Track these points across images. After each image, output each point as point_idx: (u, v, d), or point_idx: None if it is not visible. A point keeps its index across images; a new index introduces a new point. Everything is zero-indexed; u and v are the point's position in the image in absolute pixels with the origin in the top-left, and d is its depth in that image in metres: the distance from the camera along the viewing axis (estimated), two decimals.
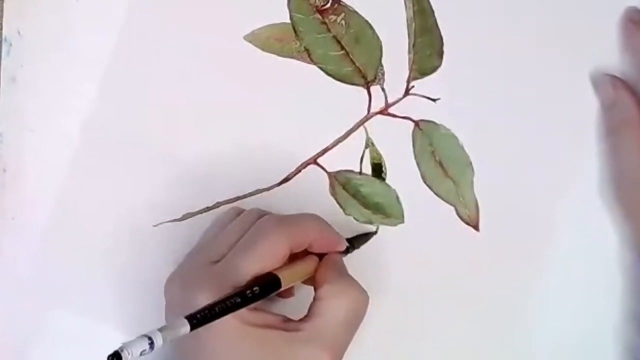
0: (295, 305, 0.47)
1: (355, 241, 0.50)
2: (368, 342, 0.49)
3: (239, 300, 0.40)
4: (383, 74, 0.51)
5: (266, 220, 0.46)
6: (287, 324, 0.44)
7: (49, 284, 0.51)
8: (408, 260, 0.52)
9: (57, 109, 0.51)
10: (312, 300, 0.46)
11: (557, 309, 0.52)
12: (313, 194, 0.51)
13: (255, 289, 0.42)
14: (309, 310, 0.45)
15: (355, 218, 0.52)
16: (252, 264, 0.43)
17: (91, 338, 0.51)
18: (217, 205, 0.51)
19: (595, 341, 0.52)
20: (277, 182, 0.51)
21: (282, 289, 0.44)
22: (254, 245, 0.44)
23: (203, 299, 0.41)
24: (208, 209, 0.51)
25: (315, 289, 0.46)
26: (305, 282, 0.47)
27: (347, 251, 0.49)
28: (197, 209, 0.51)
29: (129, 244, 0.51)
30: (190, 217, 0.51)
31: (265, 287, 0.43)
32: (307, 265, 0.46)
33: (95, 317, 0.51)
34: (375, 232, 0.52)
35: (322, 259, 0.47)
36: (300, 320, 0.44)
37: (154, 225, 0.51)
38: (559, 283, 0.52)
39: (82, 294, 0.51)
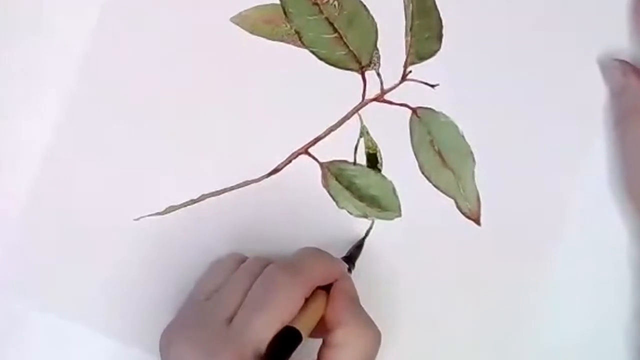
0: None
1: (352, 257, 0.50)
2: None
3: None
4: (379, 59, 0.51)
5: (275, 268, 0.45)
6: None
7: (22, 279, 0.51)
8: (405, 256, 0.51)
9: (32, 96, 0.51)
10: (322, 342, 0.45)
11: (564, 308, 0.51)
12: (304, 186, 0.51)
13: (278, 354, 0.42)
14: (320, 356, 0.44)
15: (349, 212, 0.51)
16: (271, 323, 0.43)
17: (67, 336, 0.51)
18: (202, 197, 0.51)
19: (604, 341, 0.51)
20: (266, 173, 0.51)
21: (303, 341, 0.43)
22: (269, 300, 0.43)
23: None
24: (193, 201, 0.51)
25: (327, 330, 0.45)
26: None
27: (349, 271, 0.49)
28: (181, 202, 0.51)
29: (108, 238, 0.51)
30: (174, 210, 0.51)
31: (288, 346, 0.42)
32: (318, 305, 0.45)
33: (71, 314, 0.51)
34: (371, 227, 0.51)
35: (327, 289, 0.46)
36: None
37: (135, 219, 0.51)
38: (565, 280, 0.51)
39: (57, 291, 0.51)
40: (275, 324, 0.42)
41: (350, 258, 0.49)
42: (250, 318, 0.43)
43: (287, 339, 0.42)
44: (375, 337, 0.44)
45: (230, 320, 0.43)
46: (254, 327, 0.42)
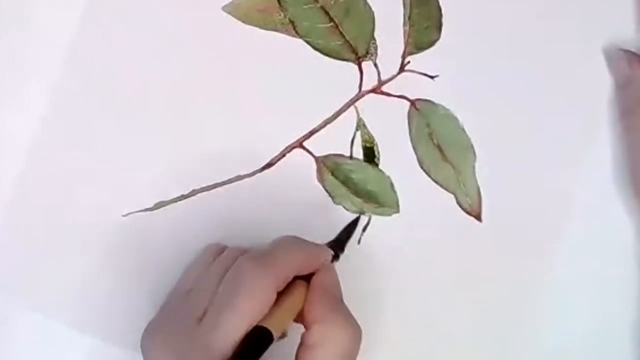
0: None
1: (341, 241, 0.49)
2: (365, 344, 0.48)
3: None
4: (376, 49, 0.50)
5: (244, 262, 0.44)
6: None
7: (6, 278, 0.50)
8: (403, 254, 0.50)
9: (17, 88, 0.50)
10: (299, 340, 0.44)
11: (567, 307, 0.51)
12: (299, 181, 0.50)
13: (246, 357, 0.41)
14: (297, 358, 0.43)
15: (345, 207, 0.51)
16: (239, 322, 0.41)
17: (53, 336, 0.50)
18: (193, 193, 0.50)
19: (608, 341, 0.51)
20: (259, 167, 0.50)
21: (275, 340, 0.42)
22: (235, 299, 0.42)
23: None
24: (183, 197, 0.50)
25: (304, 327, 0.44)
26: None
27: (336, 257, 0.48)
28: (171, 197, 0.50)
29: (96, 236, 0.50)
30: (164, 206, 0.50)
31: (256, 347, 0.41)
32: (295, 299, 0.44)
33: (57, 314, 0.50)
34: (368, 223, 0.50)
35: (308, 278, 0.45)
36: None
37: (124, 216, 0.50)
38: (568, 279, 0.51)
39: (43, 290, 0.50)
40: (244, 322, 0.41)
41: (338, 243, 0.48)
42: (217, 317, 0.42)
43: (257, 340, 0.41)
44: (354, 334, 0.43)
45: (202, 318, 0.42)
46: (221, 327, 0.41)
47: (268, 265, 0.43)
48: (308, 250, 0.45)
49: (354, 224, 0.50)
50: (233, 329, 0.41)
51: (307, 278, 0.45)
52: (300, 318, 0.44)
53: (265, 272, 0.42)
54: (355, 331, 0.43)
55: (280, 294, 0.43)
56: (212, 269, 0.45)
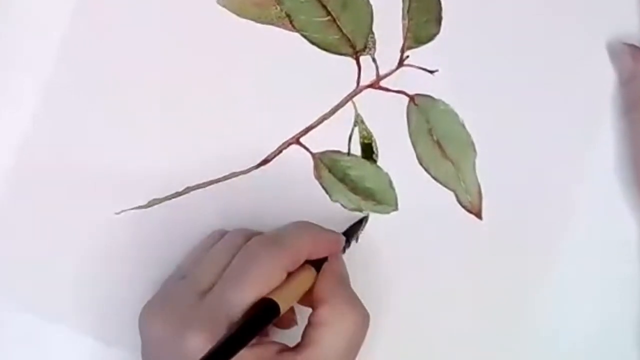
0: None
1: (349, 234, 0.50)
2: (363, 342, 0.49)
3: (237, 344, 0.40)
4: (374, 43, 0.50)
5: (256, 242, 0.45)
6: (281, 355, 0.43)
7: None
8: (402, 252, 0.50)
9: (7, 84, 0.50)
10: (307, 322, 0.45)
11: (569, 306, 0.51)
12: (295, 178, 0.50)
13: (251, 324, 0.42)
14: (304, 336, 0.44)
15: (342, 205, 0.50)
16: (247, 296, 0.42)
17: (46, 337, 0.50)
18: (187, 190, 0.50)
19: (611, 341, 0.51)
20: (255, 164, 0.50)
21: (280, 315, 0.43)
22: (245, 274, 0.43)
23: (196, 340, 0.41)
24: (177, 194, 0.50)
25: (312, 308, 0.45)
26: (300, 300, 0.46)
27: (343, 249, 0.48)
28: (165, 195, 0.50)
29: (88, 234, 0.50)
30: (157, 203, 0.50)
31: (263, 317, 0.42)
32: (303, 281, 0.45)
33: (50, 315, 0.50)
34: (366, 220, 0.50)
35: (318, 266, 0.46)
36: (295, 349, 0.44)
37: (117, 213, 0.50)
38: (571, 277, 0.51)
39: (35, 290, 0.50)
40: (250, 298, 0.42)
41: (347, 235, 0.49)
42: (225, 291, 0.43)
43: (264, 310, 0.42)
44: (361, 317, 0.44)
45: (206, 293, 0.43)
46: (226, 301, 0.42)
47: (279, 246, 0.44)
48: (321, 235, 0.46)
49: (361, 222, 0.50)
50: (238, 304, 0.42)
51: (317, 266, 0.45)
52: (308, 301, 0.45)
53: (276, 252, 0.44)
54: (363, 315, 0.44)
55: (289, 275, 0.44)
56: (218, 248, 0.46)
